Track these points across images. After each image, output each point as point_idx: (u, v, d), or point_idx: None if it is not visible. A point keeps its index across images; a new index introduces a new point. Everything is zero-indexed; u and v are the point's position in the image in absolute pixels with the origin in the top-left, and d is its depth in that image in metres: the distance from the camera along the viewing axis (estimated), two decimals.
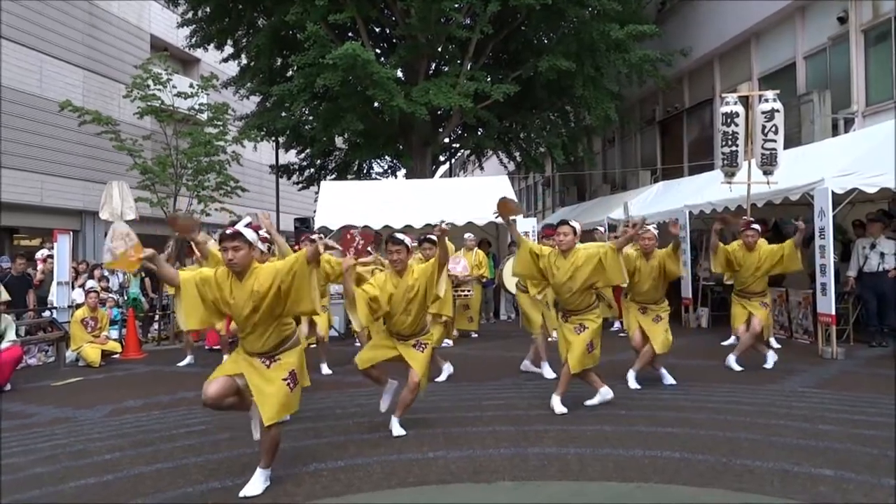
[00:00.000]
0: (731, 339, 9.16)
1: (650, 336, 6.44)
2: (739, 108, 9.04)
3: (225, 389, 3.88)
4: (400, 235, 5.14)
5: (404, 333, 5.13)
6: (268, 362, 3.92)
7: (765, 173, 8.80)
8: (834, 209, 7.87)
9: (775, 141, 8.65)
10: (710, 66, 16.16)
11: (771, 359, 7.30)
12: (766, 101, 8.74)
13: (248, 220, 4.02)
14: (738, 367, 7.21)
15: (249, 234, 3.83)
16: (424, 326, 5.25)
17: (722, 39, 15.21)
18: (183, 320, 3.93)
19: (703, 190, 11.17)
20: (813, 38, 12.92)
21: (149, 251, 3.89)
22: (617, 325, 10.67)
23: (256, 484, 3.90)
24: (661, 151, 18.65)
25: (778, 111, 8.66)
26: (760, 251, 7.26)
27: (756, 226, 7.35)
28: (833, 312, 7.89)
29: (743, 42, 14.85)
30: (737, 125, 8.98)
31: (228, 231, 3.84)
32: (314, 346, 8.14)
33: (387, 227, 11.91)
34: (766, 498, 3.59)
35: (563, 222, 5.68)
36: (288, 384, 3.91)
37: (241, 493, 3.83)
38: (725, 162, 9.15)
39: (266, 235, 4.99)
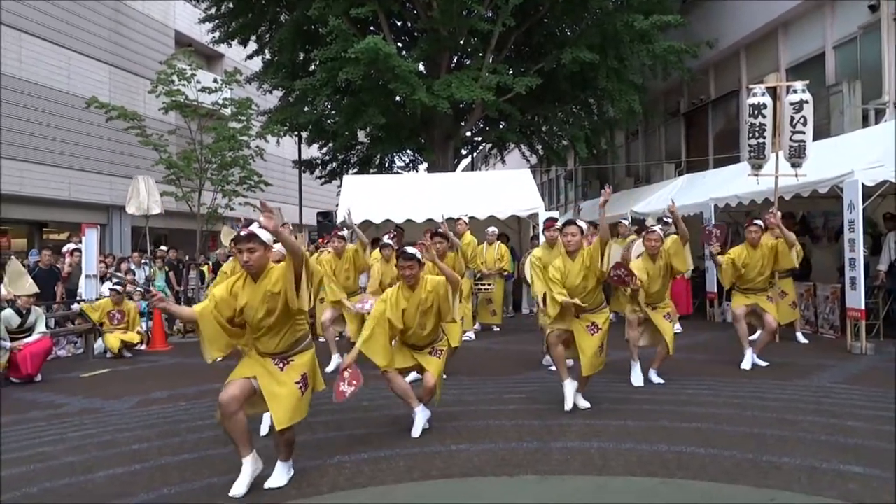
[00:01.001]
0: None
1: (663, 333, 6.35)
2: (767, 100, 8.89)
3: (243, 391, 3.81)
4: (411, 250, 4.92)
5: (420, 345, 5.04)
6: (281, 364, 3.87)
7: (793, 165, 8.65)
8: (864, 202, 7.74)
9: (804, 132, 8.48)
10: (737, 56, 15.90)
11: (748, 360, 7.14)
12: (795, 92, 8.58)
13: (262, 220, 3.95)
14: (763, 363, 7.13)
15: (264, 235, 3.75)
16: (439, 336, 5.13)
17: (749, 29, 14.95)
18: (207, 353, 3.85)
19: (729, 183, 11.03)
20: (843, 27, 12.65)
21: (160, 303, 3.82)
22: None
23: (280, 476, 3.93)
24: (685, 144, 18.42)
25: (807, 102, 8.49)
26: (763, 247, 7.17)
27: (759, 221, 7.27)
28: (863, 307, 7.74)
29: (770, 32, 14.58)
30: (764, 116, 8.82)
31: (243, 233, 3.77)
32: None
33: (409, 220, 11.93)
34: (793, 495, 3.55)
35: (570, 222, 5.51)
36: (300, 388, 3.86)
37: (267, 485, 3.86)
38: (752, 154, 9.01)
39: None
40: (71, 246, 12.22)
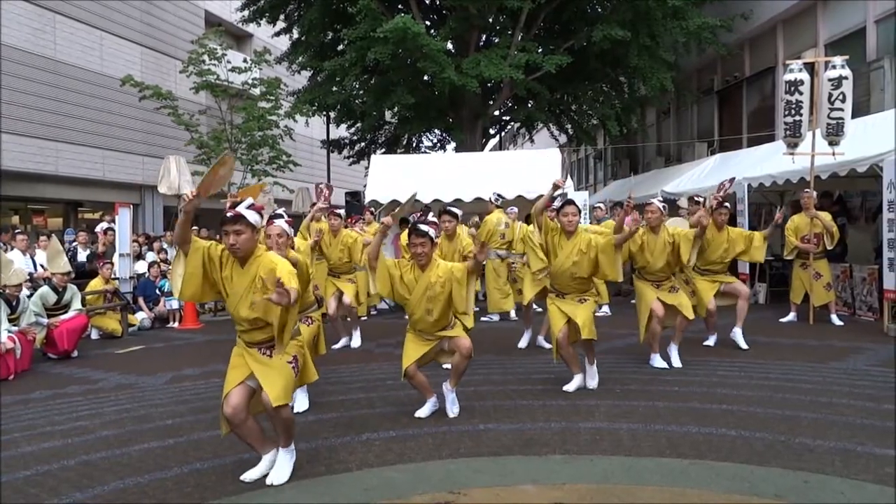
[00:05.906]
0: (791, 316, 8.91)
1: (678, 305, 6.14)
2: (805, 76, 8.66)
3: (243, 398, 3.64)
4: (424, 227, 4.67)
5: (429, 332, 4.78)
6: (269, 353, 3.66)
7: (830, 144, 8.44)
8: None
9: (843, 109, 8.26)
10: (773, 32, 15.47)
11: (712, 339, 7.25)
12: (834, 67, 8.34)
13: (249, 200, 3.74)
14: (744, 344, 7.07)
15: (252, 217, 3.55)
16: (449, 323, 4.81)
17: (786, 4, 14.54)
18: (177, 287, 3.67)
19: (763, 162, 10.79)
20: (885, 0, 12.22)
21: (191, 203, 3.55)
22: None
23: (282, 468, 3.71)
24: (718, 122, 18.06)
25: (846, 78, 8.26)
26: (729, 233, 7.02)
27: (728, 204, 7.13)
28: None
29: (809, 6, 14.15)
30: (801, 93, 8.60)
31: (229, 214, 3.53)
32: (365, 318, 8.24)
33: (437, 200, 11.89)
34: (827, 478, 3.49)
35: (570, 202, 5.50)
36: (292, 366, 3.69)
37: (269, 481, 3.66)
38: (788, 132, 8.80)
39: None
40: (104, 225, 12.44)
